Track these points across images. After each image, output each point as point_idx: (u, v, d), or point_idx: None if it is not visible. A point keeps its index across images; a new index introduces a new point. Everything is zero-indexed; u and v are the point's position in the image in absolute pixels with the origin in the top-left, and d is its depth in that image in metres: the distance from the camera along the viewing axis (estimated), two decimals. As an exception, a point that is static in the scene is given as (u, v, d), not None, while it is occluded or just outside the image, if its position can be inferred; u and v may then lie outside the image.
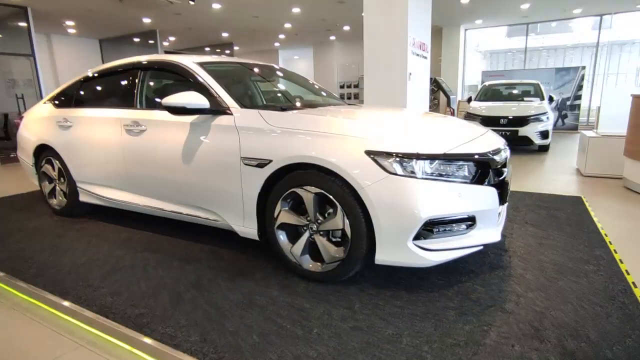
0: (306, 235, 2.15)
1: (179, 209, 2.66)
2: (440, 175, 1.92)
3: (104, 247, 2.78)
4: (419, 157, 1.88)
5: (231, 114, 2.34)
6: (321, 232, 2.11)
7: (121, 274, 2.33)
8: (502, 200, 2.07)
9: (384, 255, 1.93)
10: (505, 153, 2.30)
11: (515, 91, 8.38)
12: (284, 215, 2.17)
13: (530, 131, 6.70)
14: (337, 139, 1.99)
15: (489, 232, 2.10)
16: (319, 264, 2.16)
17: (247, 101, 2.73)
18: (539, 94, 7.88)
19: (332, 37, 13.99)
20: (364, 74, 5.55)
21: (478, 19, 10.94)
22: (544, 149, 7.14)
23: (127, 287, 2.16)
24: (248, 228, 2.35)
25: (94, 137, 3.07)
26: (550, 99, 7.75)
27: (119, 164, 2.90)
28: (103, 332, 1.81)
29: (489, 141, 2.26)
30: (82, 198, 3.39)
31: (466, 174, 1.99)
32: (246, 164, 2.22)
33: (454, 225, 1.98)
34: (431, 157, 1.90)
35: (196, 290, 2.10)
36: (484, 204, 2.01)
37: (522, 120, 6.74)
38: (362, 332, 1.69)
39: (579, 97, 10.71)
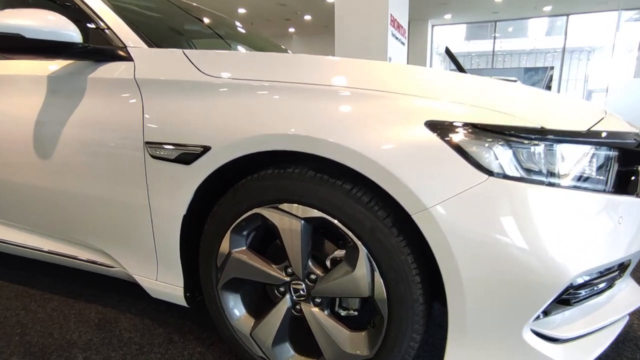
0: (285, 304, 1.03)
1: (37, 244, 1.42)
2: (584, 178, 0.88)
3: None
4: (548, 137, 0.84)
5: (129, 59, 1.17)
6: (317, 300, 1.00)
7: None
8: None
9: (465, 358, 0.86)
10: None
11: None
12: (237, 262, 1.04)
13: None
14: (354, 98, 0.90)
15: (630, 288, 1.11)
16: (311, 362, 1.05)
17: (162, 38, 1.53)
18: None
19: (292, 29, 12.94)
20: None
21: (448, 12, 10.34)
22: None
23: None
24: (165, 284, 1.18)
25: None
26: None
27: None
28: None
29: (615, 122, 1.24)
30: None
31: (611, 176, 0.97)
32: (156, 157, 1.06)
33: (594, 284, 0.96)
34: (571, 138, 0.86)
35: None
36: (646, 235, 1.01)
37: None
38: None
39: (547, 98, 10.48)
